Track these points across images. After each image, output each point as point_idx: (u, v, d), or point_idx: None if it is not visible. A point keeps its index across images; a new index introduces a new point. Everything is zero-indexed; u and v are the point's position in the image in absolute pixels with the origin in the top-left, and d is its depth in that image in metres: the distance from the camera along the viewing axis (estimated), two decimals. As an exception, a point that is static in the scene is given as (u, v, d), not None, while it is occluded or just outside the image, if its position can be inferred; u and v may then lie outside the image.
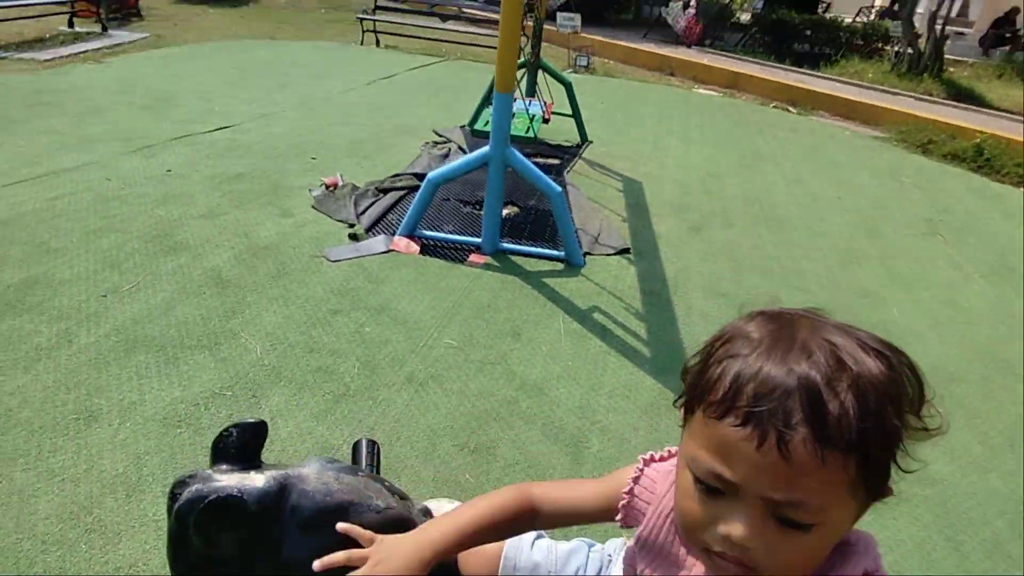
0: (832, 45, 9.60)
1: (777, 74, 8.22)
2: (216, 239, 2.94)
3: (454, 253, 2.99)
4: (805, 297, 2.97)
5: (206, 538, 0.61)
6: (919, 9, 9.09)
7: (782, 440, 0.52)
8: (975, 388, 2.45)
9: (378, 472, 0.97)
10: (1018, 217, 4.43)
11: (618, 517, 0.81)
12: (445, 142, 4.61)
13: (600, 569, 1.02)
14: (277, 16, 10.34)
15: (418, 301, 2.60)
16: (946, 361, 2.60)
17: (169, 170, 3.67)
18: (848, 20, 10.66)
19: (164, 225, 3.02)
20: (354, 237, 3.04)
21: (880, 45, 9.44)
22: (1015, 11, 11.23)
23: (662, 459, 0.82)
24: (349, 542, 0.69)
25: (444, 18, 8.48)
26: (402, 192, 3.59)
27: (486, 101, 4.81)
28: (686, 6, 9.97)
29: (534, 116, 4.38)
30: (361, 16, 8.41)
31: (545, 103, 4.62)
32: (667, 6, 10.54)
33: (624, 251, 3.20)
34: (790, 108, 7.23)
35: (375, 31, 8.57)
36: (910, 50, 8.37)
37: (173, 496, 0.63)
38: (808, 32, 9.75)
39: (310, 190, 3.53)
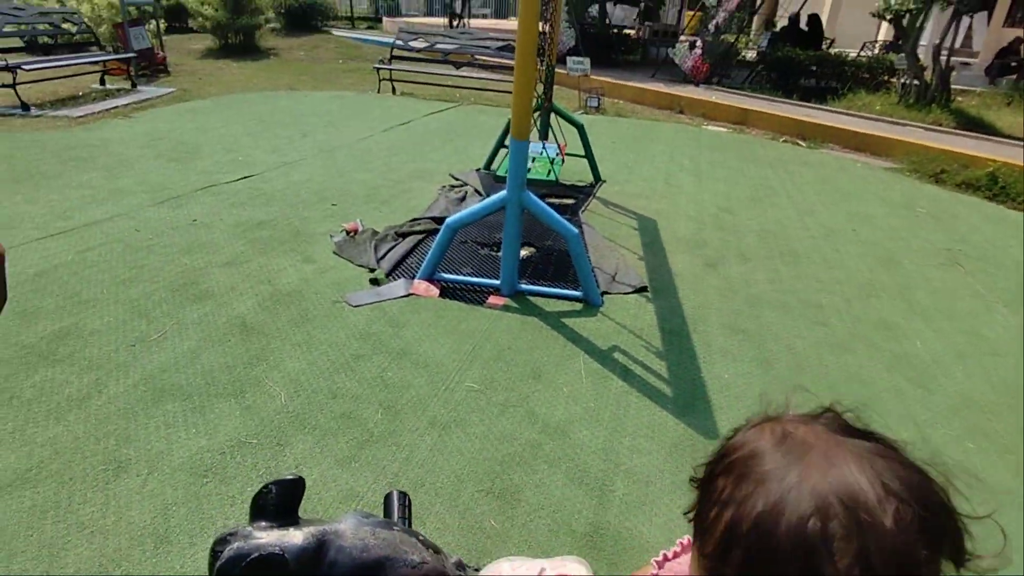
0: (838, 79, 9.72)
1: (785, 109, 8.32)
2: (240, 286, 3.01)
3: (473, 295, 3.03)
4: (825, 331, 2.95)
5: (247, 596, 0.61)
6: (922, 42, 9.21)
7: None
8: (1006, 420, 2.40)
9: (410, 524, 0.99)
10: (1038, 245, 4.39)
11: None
12: (461, 185, 4.70)
13: None
14: (296, 68, 10.72)
15: (439, 344, 2.63)
16: (974, 393, 2.55)
17: (195, 220, 3.78)
18: (852, 55, 10.80)
19: (190, 274, 3.10)
20: (375, 282, 3.09)
21: (886, 78, 9.53)
22: (1018, 41, 11.33)
23: (675, 555, 0.78)
24: (386, 598, 0.73)
25: (458, 65, 8.74)
26: (421, 236, 3.66)
27: (500, 144, 4.93)
28: (692, 46, 10.19)
29: (554, 160, 4.52)
30: (378, 66, 8.71)
31: (559, 145, 4.72)
32: (674, 47, 10.78)
33: (642, 289, 3.22)
34: (800, 142, 7.29)
35: (391, 79, 8.86)
36: (916, 82, 8.45)
37: (215, 554, 0.65)
38: (814, 68, 9.88)
39: (331, 236, 3.61)
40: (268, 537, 0.67)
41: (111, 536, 1.67)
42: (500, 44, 8.48)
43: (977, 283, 3.66)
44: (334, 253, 3.42)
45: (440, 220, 3.73)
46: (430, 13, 22.34)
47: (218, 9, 11.01)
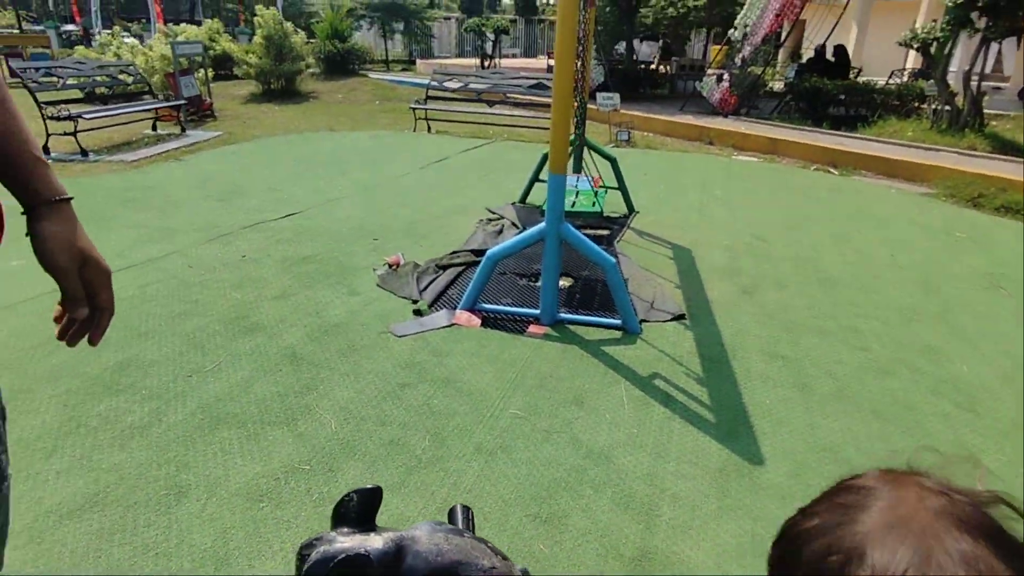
0: (868, 107, 9.70)
1: (815, 138, 8.32)
2: (289, 319, 3.13)
3: (514, 325, 3.09)
4: (866, 356, 2.92)
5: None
6: (952, 68, 9.16)
7: None
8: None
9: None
10: (1087, 269, 4.27)
11: None
12: (498, 219, 4.82)
13: None
14: (335, 109, 11.16)
15: (482, 372, 2.68)
16: (1028, 421, 2.49)
17: (243, 256, 3.95)
18: (881, 83, 10.78)
19: (241, 307, 3.24)
20: (418, 312, 3.18)
21: (916, 104, 9.48)
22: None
23: None
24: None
25: (491, 103, 9.00)
26: (461, 268, 3.76)
27: (536, 178, 5.05)
28: (720, 79, 10.31)
29: (598, 192, 4.67)
30: (414, 106, 9.02)
31: (592, 178, 4.82)
32: (701, 80, 10.92)
33: (679, 317, 3.24)
34: (831, 169, 7.27)
35: (427, 118, 9.16)
36: (948, 107, 8.38)
37: (302, 557, 0.72)
38: (842, 96, 9.89)
39: (374, 269, 3.74)
40: (351, 541, 0.74)
41: (174, 558, 1.74)
42: (532, 82, 8.71)
43: (1021, 306, 3.58)
44: (378, 286, 3.53)
45: (479, 252, 3.83)
46: (461, 54, 23.06)
47: (261, 57, 11.58)
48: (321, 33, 14.76)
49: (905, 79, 11.84)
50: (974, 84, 8.09)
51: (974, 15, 7.67)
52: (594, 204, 4.72)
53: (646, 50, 14.91)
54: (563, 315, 3.14)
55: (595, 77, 10.58)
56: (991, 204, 5.68)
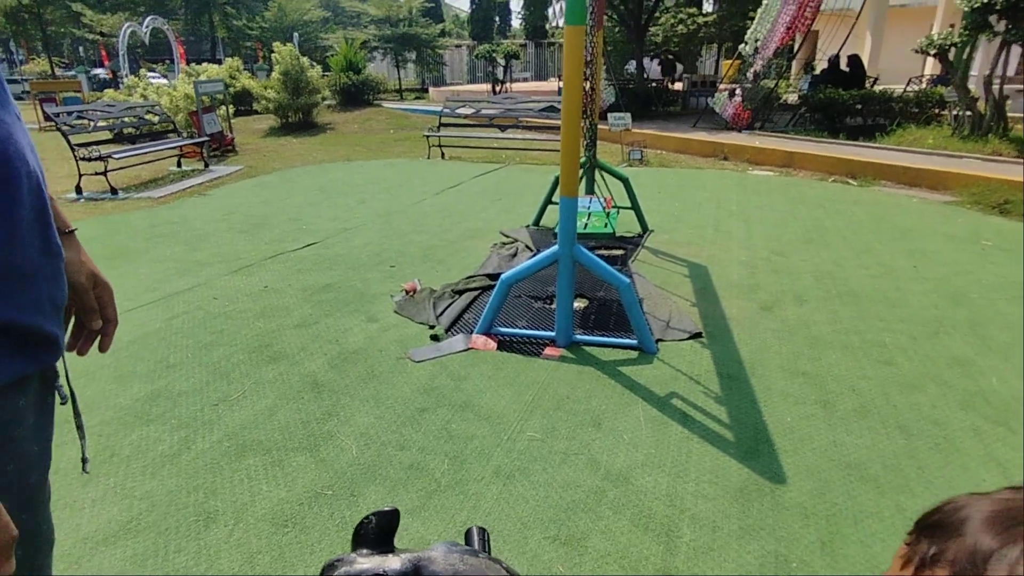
0: (886, 115, 9.62)
1: (832, 149, 8.27)
2: (310, 347, 3.19)
3: (530, 347, 3.12)
4: (891, 371, 2.88)
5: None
6: (972, 72, 9.07)
7: None
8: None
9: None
10: (1119, 273, 4.17)
11: None
12: (512, 242, 4.87)
13: None
14: (351, 140, 11.41)
15: (499, 396, 2.71)
16: (1060, 432, 2.43)
17: (266, 286, 4.05)
18: (899, 91, 10.71)
19: (264, 336, 3.32)
20: (435, 338, 3.23)
21: (936, 111, 9.37)
22: (1077, 64, 11.01)
23: None
24: (476, 620, 0.80)
25: (503, 128, 9.13)
26: (476, 292, 3.80)
27: (548, 201, 5.10)
28: (732, 94, 10.33)
29: (610, 213, 4.69)
30: (428, 134, 9.21)
31: (604, 199, 4.86)
32: (713, 96, 10.96)
33: (696, 335, 3.23)
34: (850, 181, 7.21)
35: (440, 145, 9.33)
36: (969, 113, 8.29)
37: None
38: (859, 106, 9.82)
39: (392, 296, 3.80)
40: (370, 563, 0.77)
41: (203, 584, 1.79)
42: (543, 106, 8.84)
43: (1053, 315, 3.50)
44: (395, 312, 3.59)
45: (494, 276, 3.88)
46: (473, 80, 23.47)
47: (279, 91, 11.93)
48: (336, 66, 15.17)
49: (923, 86, 11.74)
50: (996, 88, 8.00)
51: (992, 18, 7.62)
52: (606, 225, 4.75)
53: (656, 68, 15.03)
54: (579, 336, 3.16)
55: (606, 97, 10.68)
56: (1018, 211, 5.58)
